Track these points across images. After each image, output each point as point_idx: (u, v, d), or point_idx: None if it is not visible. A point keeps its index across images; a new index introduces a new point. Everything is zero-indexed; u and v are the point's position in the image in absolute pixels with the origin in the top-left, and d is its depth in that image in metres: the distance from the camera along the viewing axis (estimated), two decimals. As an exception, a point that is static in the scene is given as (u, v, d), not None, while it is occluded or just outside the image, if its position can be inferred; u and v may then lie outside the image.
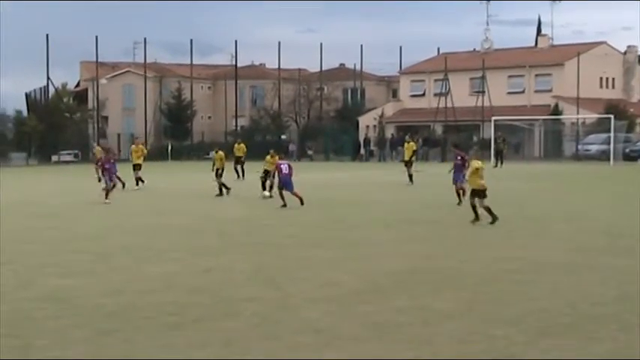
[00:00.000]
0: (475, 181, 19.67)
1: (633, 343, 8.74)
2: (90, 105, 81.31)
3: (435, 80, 77.52)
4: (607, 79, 76.74)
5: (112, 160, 29.29)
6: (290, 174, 25.20)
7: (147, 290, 11.83)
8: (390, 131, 76.06)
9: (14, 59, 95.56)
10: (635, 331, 9.19)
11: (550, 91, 73.04)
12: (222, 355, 8.48)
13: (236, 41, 78.70)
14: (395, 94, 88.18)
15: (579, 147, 64.79)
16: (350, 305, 10.64)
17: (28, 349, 8.77)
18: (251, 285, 12.22)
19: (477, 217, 19.55)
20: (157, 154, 72.62)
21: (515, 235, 17.91)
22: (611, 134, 57.99)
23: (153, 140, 79.24)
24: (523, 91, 74.89)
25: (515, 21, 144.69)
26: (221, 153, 31.24)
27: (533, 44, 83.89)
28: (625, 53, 79.23)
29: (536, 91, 74.09)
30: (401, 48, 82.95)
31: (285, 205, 24.36)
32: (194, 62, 79.93)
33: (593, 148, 62.11)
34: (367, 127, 78.00)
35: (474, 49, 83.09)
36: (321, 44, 79.88)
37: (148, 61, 79.44)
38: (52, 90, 75.94)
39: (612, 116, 59.22)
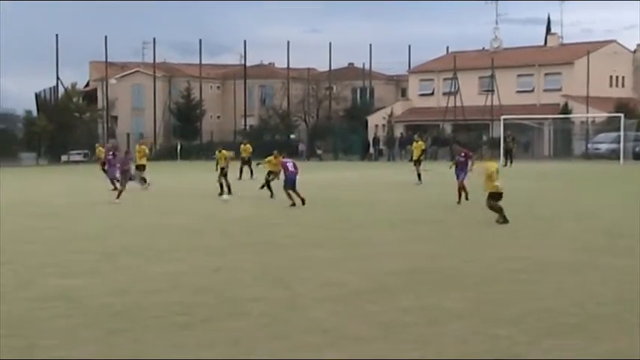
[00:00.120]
0: (490, 184, 19.47)
1: (634, 343, 8.71)
2: (99, 105, 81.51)
3: (444, 79, 77.49)
4: (617, 77, 76.54)
5: (126, 161, 29.36)
6: (296, 172, 25.20)
7: (152, 290, 11.80)
8: (399, 130, 76.03)
9: (24, 59, 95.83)
10: (635, 331, 9.15)
11: (559, 90, 72.87)
12: (231, 355, 8.45)
13: (245, 41, 78.83)
14: (404, 93, 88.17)
15: (589, 146, 64.62)
16: (355, 305, 10.61)
17: (33, 349, 8.74)
18: (257, 285, 12.19)
19: (503, 217, 19.36)
20: (166, 154, 72.78)
21: (521, 234, 17.82)
22: (621, 133, 57.82)
23: (162, 140, 79.43)
24: (532, 90, 74.75)
25: (525, 20, 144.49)
26: (225, 152, 31.13)
27: (542, 43, 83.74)
28: (635, 52, 79.01)
29: (545, 90, 73.93)
30: (410, 47, 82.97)
31: (294, 204, 24.36)
32: (203, 62, 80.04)
33: (603, 147, 61.92)
34: (376, 126, 77.98)
35: (483, 48, 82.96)
36: (330, 44, 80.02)
37: (157, 61, 79.59)
38: (61, 90, 76.21)
39: (622, 115, 59.05)
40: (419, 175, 35.03)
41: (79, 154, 71.44)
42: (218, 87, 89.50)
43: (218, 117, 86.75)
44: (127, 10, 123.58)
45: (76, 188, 35.26)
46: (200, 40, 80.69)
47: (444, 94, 75.59)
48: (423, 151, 38.13)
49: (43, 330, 9.54)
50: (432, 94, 79.93)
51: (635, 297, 10.87)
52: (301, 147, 76.00)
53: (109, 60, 75.56)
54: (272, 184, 28.01)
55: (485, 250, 15.42)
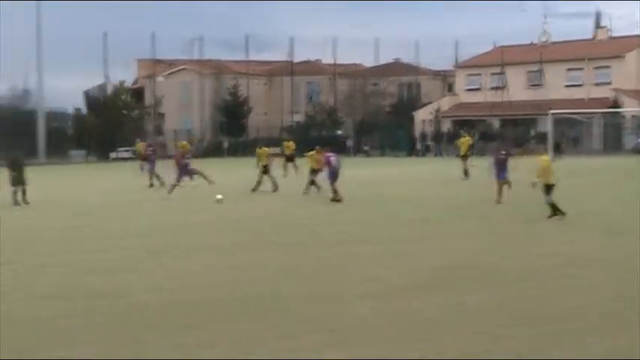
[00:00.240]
0: (548, 176, 19.27)
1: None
2: (147, 102, 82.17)
3: (492, 74, 76.90)
4: (668, 70, 75.36)
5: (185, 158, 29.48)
6: (339, 166, 25.22)
7: (190, 287, 11.89)
8: (446, 126, 75.65)
9: (73, 58, 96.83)
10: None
11: (609, 83, 71.93)
12: (281, 347, 8.47)
13: (292, 37, 79.01)
14: (451, 88, 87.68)
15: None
16: (391, 301, 10.59)
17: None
18: (300, 281, 12.21)
19: (558, 211, 19.14)
20: (213, 151, 73.15)
21: (565, 230, 17.57)
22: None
23: (209, 137, 79.85)
24: (581, 84, 73.85)
25: (573, 13, 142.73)
26: (265, 149, 31.13)
27: (590, 36, 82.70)
28: (686, 44, 77.71)
29: (594, 84, 73.00)
30: (457, 42, 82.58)
31: (339, 200, 24.35)
32: (250, 58, 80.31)
33: (655, 141, 61.11)
34: (423, 121, 77.63)
35: (531, 43, 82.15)
36: (376, 39, 79.94)
37: (204, 57, 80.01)
38: (110, 88, 76.93)
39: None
40: (465, 171, 34.79)
41: (126, 151, 72.03)
42: (265, 83, 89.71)
43: (265, 113, 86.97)
44: (174, 7, 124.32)
45: (122, 186, 35.41)
46: (247, 37, 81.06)
47: (492, 88, 75.03)
48: (470, 147, 37.87)
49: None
50: (480, 89, 79.37)
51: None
52: (349, 143, 75.94)
53: (156, 57, 76.13)
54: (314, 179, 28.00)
55: (525, 247, 15.28)
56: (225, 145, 77.13)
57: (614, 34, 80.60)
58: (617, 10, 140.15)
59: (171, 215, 22.49)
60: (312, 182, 27.82)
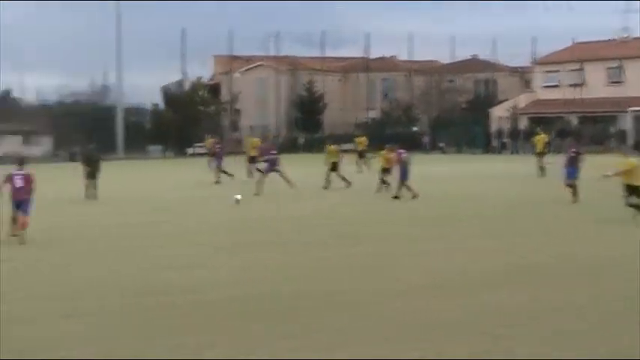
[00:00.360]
0: (633, 178, 18.96)
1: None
2: (223, 98, 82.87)
3: (570, 70, 75.68)
4: None
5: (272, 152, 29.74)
6: (409, 162, 25.32)
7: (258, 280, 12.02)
8: (523, 123, 74.74)
9: (151, 54, 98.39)
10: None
11: (692, 80, 70.18)
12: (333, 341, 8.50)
13: (368, 34, 78.93)
14: (528, 85, 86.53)
15: None
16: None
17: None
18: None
19: None
20: (288, 146, 73.49)
21: (632, 232, 17.16)
22: None
23: (284, 133, 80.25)
24: (664, 81, 72.20)
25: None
26: (334, 147, 31.27)
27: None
28: None
29: (678, 80, 71.28)
30: (535, 38, 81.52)
31: (416, 196, 24.51)
32: (325, 55, 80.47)
33: None
34: (499, 118, 76.82)
35: (611, 39, 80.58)
36: (452, 36, 79.38)
37: (280, 54, 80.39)
38: (187, 84, 77.81)
39: None
40: (541, 169, 34.43)
41: (202, 146, 72.68)
42: (340, 80, 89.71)
43: (340, 109, 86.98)
44: (251, 3, 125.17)
45: (198, 181, 35.65)
46: (323, 33, 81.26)
47: (570, 85, 73.86)
48: (546, 144, 37.46)
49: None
50: (557, 85, 78.14)
51: None
52: (425, 140, 75.59)
53: (233, 53, 76.72)
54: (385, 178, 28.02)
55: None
56: (301, 141, 77.41)
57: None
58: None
59: (236, 212, 22.81)
60: (384, 181, 27.84)
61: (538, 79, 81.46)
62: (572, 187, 23.51)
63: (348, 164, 31.63)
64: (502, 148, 71.67)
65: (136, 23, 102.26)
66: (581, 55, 72.06)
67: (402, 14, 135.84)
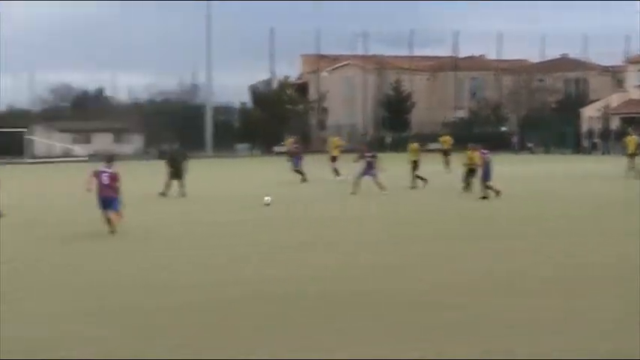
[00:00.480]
0: None
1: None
2: (311, 97, 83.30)
3: (665, 69, 73.99)
4: None
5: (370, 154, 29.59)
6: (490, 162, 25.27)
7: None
8: (614, 123, 73.31)
9: (239, 53, 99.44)
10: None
11: None
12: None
13: (456, 32, 78.41)
14: (620, 84, 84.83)
15: None
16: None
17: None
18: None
19: None
20: (375, 146, 73.41)
21: None
22: None
23: (372, 131, 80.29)
24: None
25: None
26: (415, 145, 31.26)
27: None
28: None
29: None
30: (628, 37, 79.96)
31: (498, 193, 24.42)
32: (413, 54, 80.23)
33: None
34: (590, 118, 75.50)
35: None
36: (543, 34, 78.35)
37: (367, 53, 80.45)
38: (275, 83, 78.47)
39: None
40: (632, 169, 33.81)
41: (283, 145, 73.16)
42: (428, 79, 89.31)
43: (427, 109, 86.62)
44: (338, 3, 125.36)
45: (283, 180, 35.71)
46: (411, 32, 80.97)
47: (664, 85, 72.20)
48: (638, 145, 36.75)
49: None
50: (651, 85, 76.45)
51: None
52: (514, 139, 74.77)
53: (320, 53, 77.06)
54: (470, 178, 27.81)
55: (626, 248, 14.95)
56: (388, 140, 77.32)
57: None
58: None
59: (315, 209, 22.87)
60: (468, 182, 27.69)
61: (631, 78, 79.73)
62: None
63: (434, 163, 31.46)
64: (592, 149, 70.42)
65: (225, 23, 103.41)
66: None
67: (491, 13, 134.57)
